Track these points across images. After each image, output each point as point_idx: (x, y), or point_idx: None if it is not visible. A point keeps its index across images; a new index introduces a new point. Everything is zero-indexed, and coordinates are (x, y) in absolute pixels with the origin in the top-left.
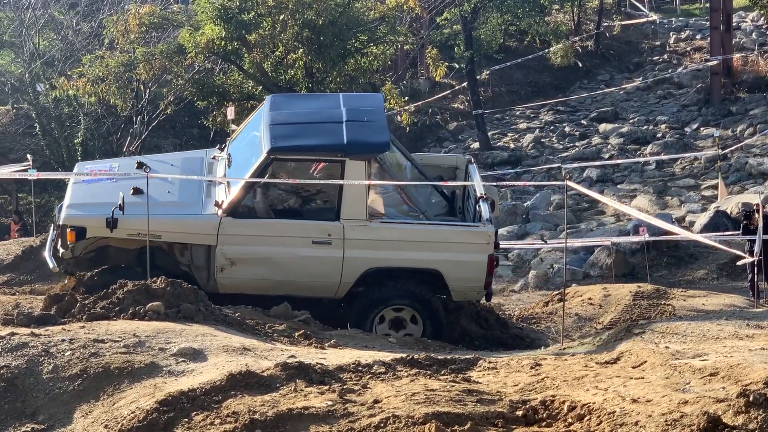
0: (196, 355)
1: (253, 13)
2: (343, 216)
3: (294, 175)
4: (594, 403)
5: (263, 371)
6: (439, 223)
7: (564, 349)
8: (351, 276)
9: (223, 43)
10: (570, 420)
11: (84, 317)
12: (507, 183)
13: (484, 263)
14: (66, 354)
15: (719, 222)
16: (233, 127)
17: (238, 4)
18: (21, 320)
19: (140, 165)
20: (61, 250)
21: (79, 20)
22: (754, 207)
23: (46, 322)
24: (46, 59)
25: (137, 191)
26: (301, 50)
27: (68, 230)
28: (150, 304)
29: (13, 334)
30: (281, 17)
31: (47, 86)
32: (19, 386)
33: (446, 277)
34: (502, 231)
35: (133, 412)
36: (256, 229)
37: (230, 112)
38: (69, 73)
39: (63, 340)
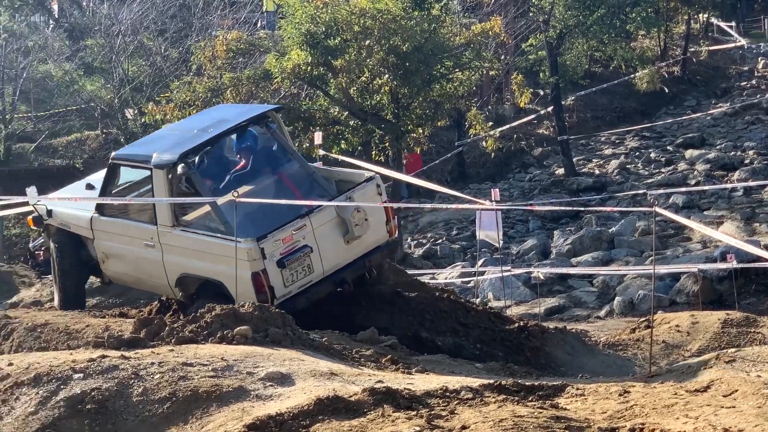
0: (283, 379)
1: (339, 39)
2: (159, 221)
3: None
4: (684, 431)
5: (351, 396)
6: (215, 236)
7: (652, 376)
8: (171, 279)
9: (309, 68)
10: None
11: (173, 341)
12: (592, 209)
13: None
14: (155, 377)
15: None
16: (321, 152)
17: (324, 29)
18: (111, 343)
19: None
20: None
21: (167, 46)
22: None
23: (136, 345)
24: (135, 85)
25: (89, 187)
26: (387, 76)
27: (29, 217)
28: (238, 329)
29: (103, 356)
30: (367, 43)
31: (136, 111)
32: (110, 408)
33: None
34: (586, 257)
35: None
36: (113, 227)
37: (317, 137)
38: (157, 98)
39: (152, 363)
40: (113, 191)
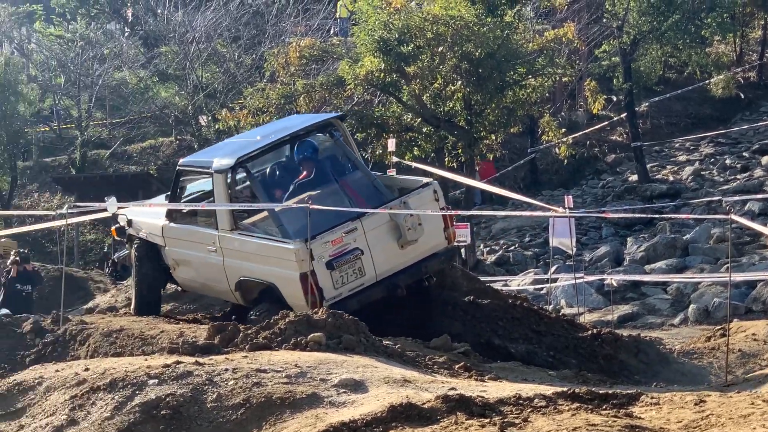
0: (357, 386)
1: (412, 46)
2: (219, 225)
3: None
4: None
5: (424, 403)
6: (267, 238)
7: (728, 385)
8: (231, 283)
9: (382, 75)
10: None
11: (246, 347)
12: (666, 216)
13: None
14: (229, 383)
15: None
16: (394, 159)
17: (397, 36)
18: (186, 349)
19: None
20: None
21: (241, 53)
22: None
23: (210, 351)
24: (209, 91)
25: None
26: (460, 82)
27: (113, 228)
28: (311, 335)
29: (178, 362)
30: (440, 49)
31: (209, 118)
32: (184, 414)
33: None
34: (660, 264)
35: None
36: (181, 233)
37: (391, 144)
38: (230, 105)
39: (226, 370)
40: (184, 199)
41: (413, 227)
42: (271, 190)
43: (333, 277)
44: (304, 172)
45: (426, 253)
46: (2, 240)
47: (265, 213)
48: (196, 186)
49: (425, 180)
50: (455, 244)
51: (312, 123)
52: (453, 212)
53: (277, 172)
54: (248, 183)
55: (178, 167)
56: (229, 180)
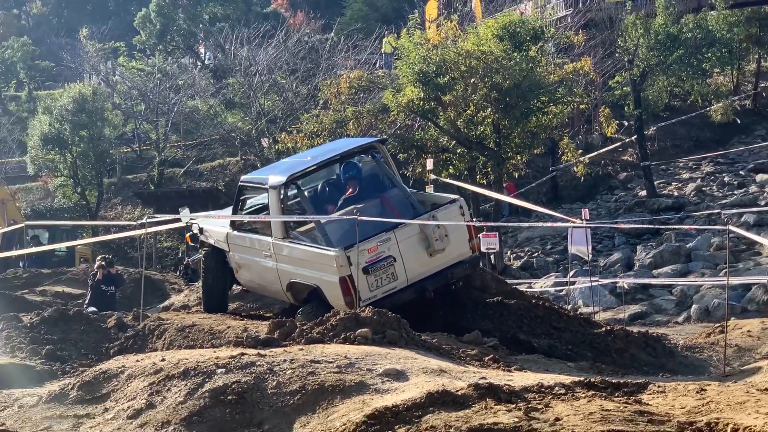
0: (398, 375)
1: (448, 77)
2: (273, 234)
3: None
4: (755, 426)
5: (458, 390)
6: (313, 246)
7: (726, 376)
8: (284, 285)
9: (421, 102)
10: None
11: (302, 341)
12: (672, 227)
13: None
14: (287, 372)
15: None
16: (432, 176)
17: (434, 69)
18: (249, 342)
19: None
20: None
21: (298, 84)
22: None
23: (271, 344)
24: (270, 117)
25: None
26: (490, 109)
27: (187, 234)
28: (359, 331)
29: (242, 354)
30: (472, 80)
31: (270, 140)
32: (248, 399)
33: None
34: (666, 269)
35: (344, 425)
36: (242, 241)
37: (429, 163)
38: (289, 129)
39: (285, 360)
40: (245, 211)
41: (440, 238)
42: (318, 204)
43: (368, 280)
44: (350, 189)
45: (452, 261)
46: (78, 246)
47: (312, 224)
48: (255, 200)
49: (453, 197)
50: (479, 252)
51: (356, 146)
52: (481, 224)
53: (326, 189)
54: (298, 198)
55: (239, 183)
56: (281, 195)
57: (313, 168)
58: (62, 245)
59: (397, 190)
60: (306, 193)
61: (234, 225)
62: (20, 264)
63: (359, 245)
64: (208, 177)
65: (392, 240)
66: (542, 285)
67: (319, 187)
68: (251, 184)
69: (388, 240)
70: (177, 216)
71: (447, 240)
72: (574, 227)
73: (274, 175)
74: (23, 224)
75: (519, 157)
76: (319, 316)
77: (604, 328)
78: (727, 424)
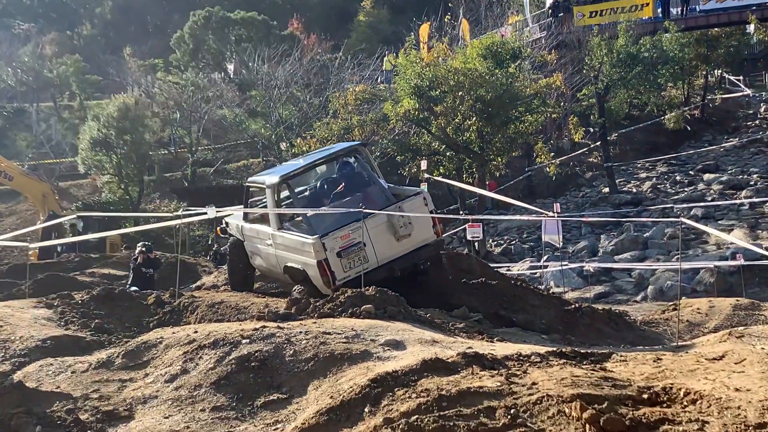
0: (397, 345)
1: (439, 91)
2: (271, 225)
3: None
4: (704, 390)
5: (448, 358)
6: (298, 235)
7: (679, 347)
8: (281, 268)
9: (416, 112)
10: (685, 403)
11: (315, 315)
12: (631, 219)
13: (315, 265)
14: (302, 342)
15: None
16: (425, 175)
17: (428, 83)
18: (270, 317)
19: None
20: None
21: (311, 96)
22: None
23: (288, 318)
24: (287, 125)
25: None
26: (475, 118)
27: (218, 228)
28: (364, 306)
29: (264, 327)
30: (460, 93)
31: (288, 144)
32: (269, 365)
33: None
34: (626, 255)
35: (351, 387)
36: (251, 231)
37: (423, 164)
38: (303, 134)
39: (300, 332)
40: (254, 205)
41: (404, 225)
42: (305, 198)
43: (342, 263)
44: (338, 186)
45: (418, 245)
46: (111, 235)
47: (301, 216)
48: (262, 196)
49: (419, 189)
50: (442, 237)
51: (340, 149)
52: (467, 217)
53: (317, 186)
54: (289, 195)
55: (245, 184)
56: (276, 192)
57: (302, 169)
58: (112, 233)
59: (376, 186)
60: (295, 190)
61: (246, 218)
62: (58, 249)
63: (333, 233)
64: (234, 175)
65: (363, 228)
66: (519, 268)
67: (311, 184)
68: (254, 184)
69: (359, 228)
70: (205, 210)
71: (411, 227)
72: (547, 219)
73: (270, 176)
74: (75, 215)
75: (500, 159)
76: (310, 294)
77: (573, 306)
78: (680, 389)
